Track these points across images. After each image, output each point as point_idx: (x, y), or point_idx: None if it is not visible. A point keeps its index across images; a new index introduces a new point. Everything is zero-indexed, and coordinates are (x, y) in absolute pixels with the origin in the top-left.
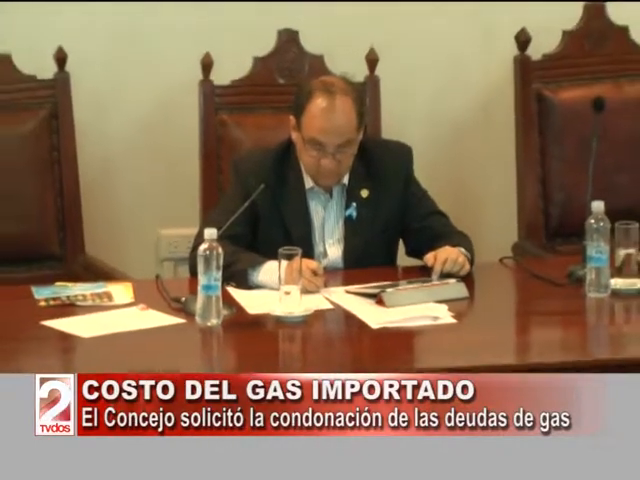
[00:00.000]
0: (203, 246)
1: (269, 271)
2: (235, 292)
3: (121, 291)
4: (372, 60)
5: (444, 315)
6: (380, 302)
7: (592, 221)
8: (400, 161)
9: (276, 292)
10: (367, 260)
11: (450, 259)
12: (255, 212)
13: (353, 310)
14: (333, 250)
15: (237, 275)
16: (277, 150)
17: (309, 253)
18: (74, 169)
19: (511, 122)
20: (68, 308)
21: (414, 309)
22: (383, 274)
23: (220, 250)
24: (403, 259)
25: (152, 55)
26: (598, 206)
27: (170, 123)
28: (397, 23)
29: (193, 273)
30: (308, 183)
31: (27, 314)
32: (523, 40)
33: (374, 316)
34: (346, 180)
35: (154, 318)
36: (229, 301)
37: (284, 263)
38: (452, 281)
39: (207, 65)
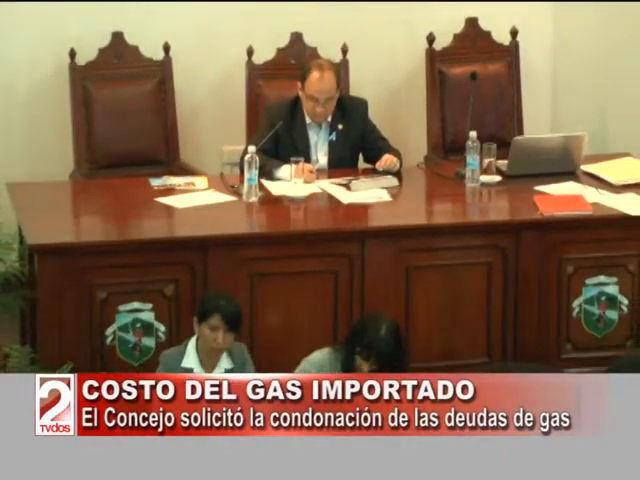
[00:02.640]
0: (247, 156)
1: (285, 170)
2: (265, 182)
3: (200, 182)
4: (344, 50)
5: (385, 196)
6: (348, 188)
7: (470, 143)
8: (360, 109)
9: (288, 182)
10: (341, 165)
11: (389, 161)
12: (277, 136)
13: (333, 193)
14: (322, 159)
15: (267, 173)
16: (290, 101)
17: (308, 160)
18: (173, 110)
19: (425, 87)
20: (170, 191)
21: (368, 193)
22: (350, 173)
23: (257, 158)
24: (362, 164)
25: (225, 47)
26: (473, 134)
27: (231, 85)
28: (361, 24)
29: (242, 172)
30: (307, 120)
31: (146, 194)
32: (430, 39)
33: (345, 196)
34: (329, 119)
35: (219, 197)
36: (262, 188)
37: (293, 166)
38: (389, 176)
39: (250, 53)
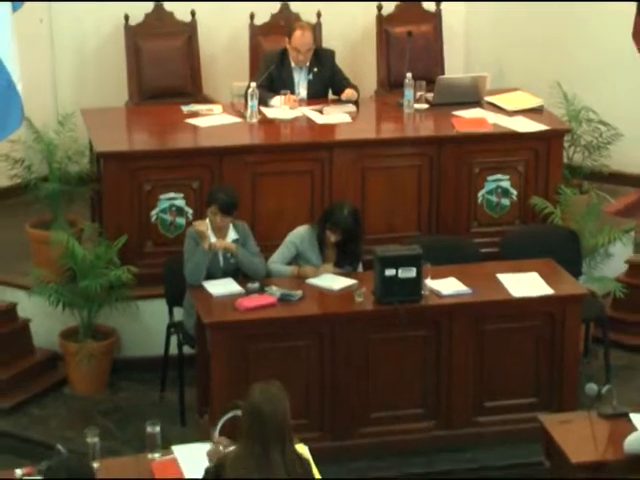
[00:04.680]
0: (250, 90)
1: (277, 100)
2: (263, 108)
3: (217, 108)
4: (318, 15)
5: (347, 118)
6: (321, 113)
7: (407, 81)
8: (330, 57)
9: (279, 108)
10: (316, 96)
11: (350, 94)
12: (271, 76)
13: (310, 116)
14: (302, 92)
15: (264, 102)
16: (280, 51)
17: (293, 93)
18: (198, 57)
19: (375, 41)
20: (195, 115)
21: (335, 116)
22: (323, 102)
23: (257, 91)
24: (331, 96)
25: (234, 13)
26: (409, 75)
27: (239, 39)
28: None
29: (246, 101)
30: (292, 64)
31: (178, 117)
32: (379, 7)
33: (319, 118)
34: (308, 64)
35: (230, 119)
36: (260, 112)
37: (283, 97)
38: (350, 104)
39: (252, 17)
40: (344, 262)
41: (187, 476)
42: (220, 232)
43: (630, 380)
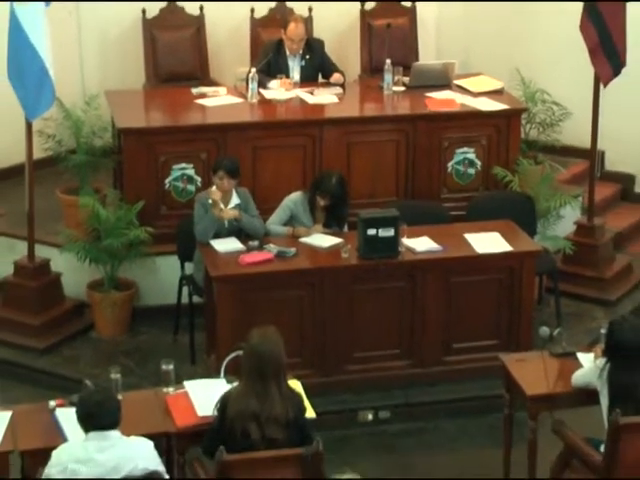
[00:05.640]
0: (250, 74)
1: (274, 83)
2: (262, 90)
3: (222, 90)
4: (310, 9)
5: (335, 99)
6: (312, 94)
7: (386, 66)
8: (320, 46)
9: (275, 91)
10: (308, 80)
11: (338, 78)
12: (269, 62)
13: (303, 97)
14: (296, 76)
15: (263, 84)
16: (277, 41)
17: (288, 77)
18: (205, 46)
19: (359, 32)
20: (203, 96)
21: (325, 97)
22: (314, 85)
23: (257, 76)
24: (320, 80)
25: (237, 7)
26: (388, 61)
27: (241, 31)
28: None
29: (247, 84)
30: (287, 52)
31: (189, 98)
32: (363, 3)
33: (310, 99)
34: (301, 52)
35: (234, 99)
36: (260, 94)
37: (279, 81)
38: (338, 87)
39: (252, 11)
40: (332, 223)
41: (196, 406)
42: (225, 198)
43: (577, 324)
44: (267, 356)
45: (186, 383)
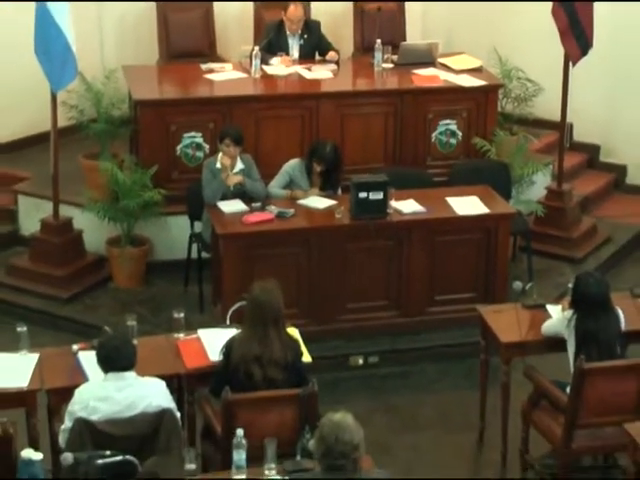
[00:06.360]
0: (254, 52)
1: (275, 60)
2: (264, 67)
3: (228, 66)
4: None
5: (330, 74)
6: (310, 70)
7: (377, 45)
8: (317, 26)
9: (276, 67)
10: (306, 57)
11: (333, 55)
12: (271, 41)
13: (301, 72)
14: (295, 54)
15: (265, 61)
16: (278, 21)
17: (287, 54)
18: (213, 26)
19: (352, 15)
20: (211, 71)
21: (321, 72)
22: (311, 62)
23: (260, 53)
24: (317, 57)
25: None
26: (378, 41)
27: (246, 12)
28: None
29: (251, 60)
30: (287, 32)
31: (198, 73)
32: None
33: (308, 74)
34: (300, 31)
35: (239, 75)
36: (262, 70)
37: (279, 58)
38: (333, 64)
39: None
40: (327, 187)
41: (207, 349)
42: (231, 162)
43: (547, 279)
44: (267, 306)
45: (199, 331)
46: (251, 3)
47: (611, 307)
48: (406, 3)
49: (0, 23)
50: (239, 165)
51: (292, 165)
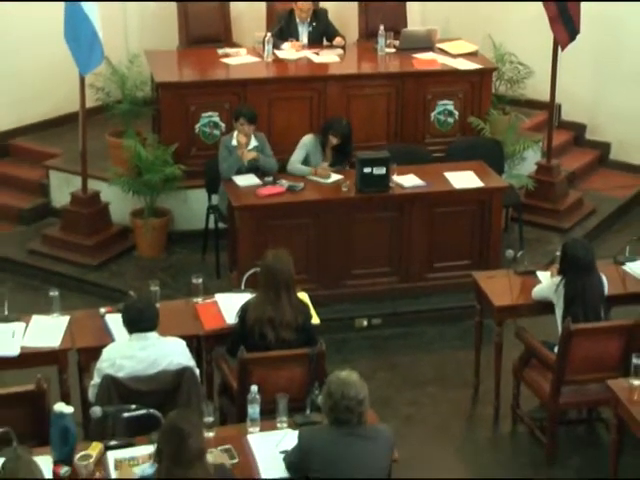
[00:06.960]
0: (267, 38)
1: (286, 45)
2: (276, 51)
3: (243, 51)
4: None
5: (337, 58)
6: (318, 55)
7: (380, 32)
8: (324, 14)
9: (287, 52)
10: (315, 42)
11: (339, 40)
12: (282, 28)
13: (310, 57)
14: (305, 40)
15: (276, 46)
16: (289, 10)
17: (297, 40)
18: (229, 14)
19: (357, 5)
20: (227, 55)
21: (328, 56)
22: (319, 47)
23: (272, 39)
24: (325, 42)
25: None
26: (382, 27)
27: (259, 2)
28: None
29: (264, 46)
30: (297, 20)
31: (214, 57)
32: None
33: (316, 58)
34: (309, 20)
35: (253, 59)
36: (274, 54)
37: (290, 43)
38: (339, 49)
39: None
40: (337, 162)
41: (223, 312)
42: (246, 139)
43: (537, 248)
44: (279, 272)
45: (216, 295)
46: None
47: (596, 271)
48: None
49: (33, 16)
50: (253, 142)
51: (309, 139)
